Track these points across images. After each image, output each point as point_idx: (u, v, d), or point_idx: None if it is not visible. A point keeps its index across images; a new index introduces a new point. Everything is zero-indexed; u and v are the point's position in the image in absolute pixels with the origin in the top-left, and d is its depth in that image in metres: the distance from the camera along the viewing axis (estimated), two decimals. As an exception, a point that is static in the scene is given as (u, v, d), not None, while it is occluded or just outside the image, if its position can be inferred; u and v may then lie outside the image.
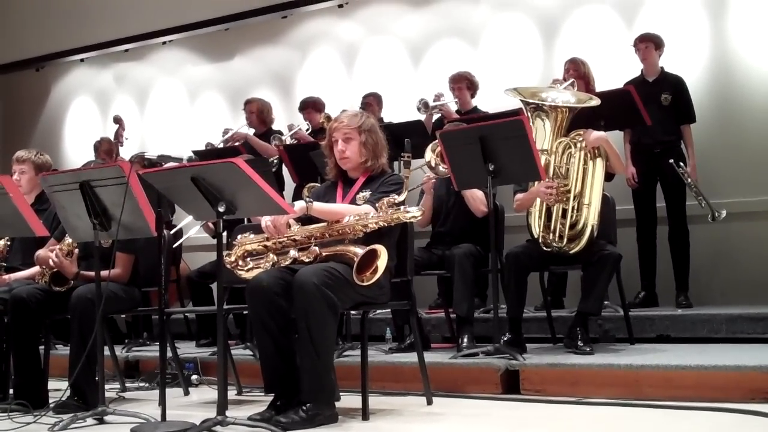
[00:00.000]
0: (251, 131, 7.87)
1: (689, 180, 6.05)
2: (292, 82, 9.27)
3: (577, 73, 6.52)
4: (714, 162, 6.70)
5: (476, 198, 5.50)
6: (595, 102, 5.24)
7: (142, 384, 5.60)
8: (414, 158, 5.62)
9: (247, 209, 3.99)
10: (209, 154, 7.13)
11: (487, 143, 4.78)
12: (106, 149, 8.67)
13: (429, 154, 5.43)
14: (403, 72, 8.61)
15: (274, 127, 7.95)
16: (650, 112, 5.95)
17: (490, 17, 8.21)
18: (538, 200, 5.15)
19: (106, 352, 5.00)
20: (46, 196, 4.69)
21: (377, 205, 4.09)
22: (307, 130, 7.75)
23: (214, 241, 3.94)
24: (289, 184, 7.46)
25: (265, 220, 4.10)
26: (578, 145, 5.13)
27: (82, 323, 4.46)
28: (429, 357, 4.77)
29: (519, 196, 5.28)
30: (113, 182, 4.01)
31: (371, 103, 7.62)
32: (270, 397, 4.03)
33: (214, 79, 9.80)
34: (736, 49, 7.04)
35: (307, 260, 4.02)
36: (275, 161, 7.06)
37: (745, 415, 3.78)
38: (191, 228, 6.08)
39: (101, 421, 4.17)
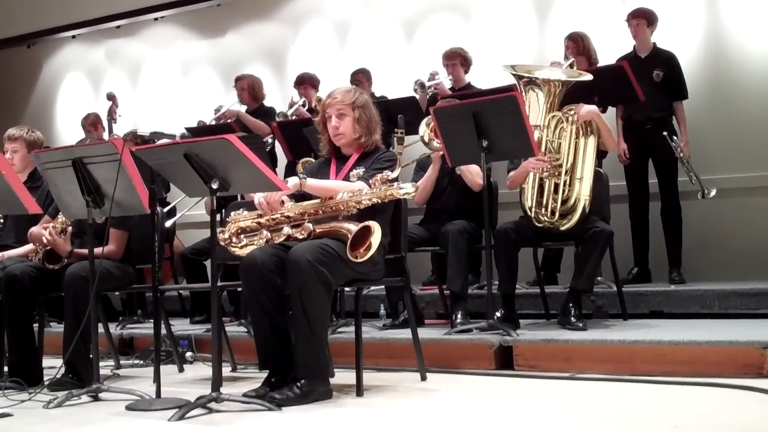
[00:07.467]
0: (243, 108, 7.84)
1: (681, 154, 6.05)
2: (284, 57, 9.22)
3: (577, 49, 6.49)
4: (707, 138, 6.69)
5: (473, 172, 5.47)
6: (587, 77, 5.24)
7: (136, 361, 5.60)
8: (407, 135, 5.63)
9: (240, 186, 3.98)
10: (202, 131, 7.10)
11: (480, 119, 4.78)
12: (92, 121, 8.64)
13: (423, 128, 5.40)
14: (396, 47, 8.57)
15: (266, 103, 7.92)
16: (642, 89, 5.94)
17: (483, -9, 8.17)
18: (531, 176, 5.16)
19: (101, 329, 4.99)
20: (39, 173, 4.66)
21: (371, 181, 4.08)
22: (303, 105, 7.72)
23: (208, 218, 3.93)
24: (282, 161, 7.44)
25: (259, 197, 4.09)
26: (570, 119, 5.14)
27: (76, 301, 4.46)
28: (423, 333, 4.78)
29: (512, 174, 5.29)
30: (106, 159, 3.99)
31: (361, 80, 7.59)
32: (264, 374, 4.04)
33: (206, 55, 9.75)
34: (730, 26, 7.02)
35: (300, 237, 4.01)
36: (269, 140, 7.04)
37: (738, 390, 3.80)
38: (185, 207, 6.06)
39: (96, 399, 4.18)
